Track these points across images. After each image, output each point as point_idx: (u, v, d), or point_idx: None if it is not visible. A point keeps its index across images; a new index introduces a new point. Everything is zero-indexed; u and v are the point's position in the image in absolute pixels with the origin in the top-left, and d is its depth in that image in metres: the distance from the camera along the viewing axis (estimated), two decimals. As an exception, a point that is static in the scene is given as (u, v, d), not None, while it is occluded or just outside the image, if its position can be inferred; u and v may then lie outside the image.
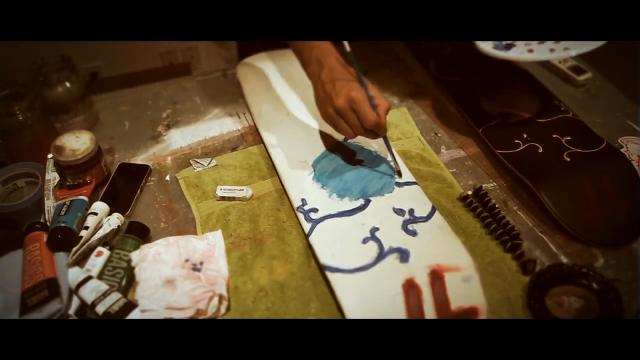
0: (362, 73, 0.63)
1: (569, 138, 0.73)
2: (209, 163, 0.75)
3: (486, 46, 0.74)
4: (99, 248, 0.63)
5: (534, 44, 0.75)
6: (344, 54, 0.65)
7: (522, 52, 0.73)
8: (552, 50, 0.72)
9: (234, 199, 0.69)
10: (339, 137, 0.75)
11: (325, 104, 0.64)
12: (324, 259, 0.59)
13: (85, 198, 0.66)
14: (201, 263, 0.60)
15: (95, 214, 0.65)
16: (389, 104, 0.63)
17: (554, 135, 0.74)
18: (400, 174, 0.69)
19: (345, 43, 0.62)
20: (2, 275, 0.60)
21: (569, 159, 0.70)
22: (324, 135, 0.75)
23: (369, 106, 0.61)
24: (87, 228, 0.63)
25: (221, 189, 0.70)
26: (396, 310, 0.54)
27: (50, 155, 0.70)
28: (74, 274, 0.59)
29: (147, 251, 0.60)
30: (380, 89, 0.64)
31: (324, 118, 0.66)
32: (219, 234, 0.64)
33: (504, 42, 0.76)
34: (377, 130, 0.63)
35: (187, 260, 0.60)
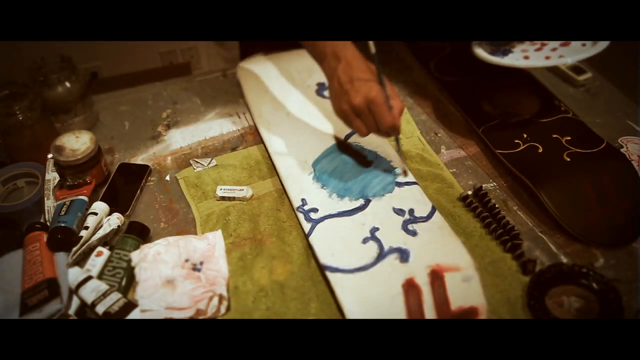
0: (383, 73, 0.62)
1: (569, 138, 0.73)
2: (209, 163, 0.75)
3: (482, 52, 0.74)
4: (99, 248, 0.63)
5: (530, 51, 0.75)
6: (366, 53, 0.64)
7: (517, 58, 0.73)
8: (547, 58, 0.72)
9: (234, 199, 0.69)
10: (340, 136, 0.75)
11: (340, 100, 0.63)
12: (324, 259, 0.59)
13: (85, 198, 0.66)
14: (201, 263, 0.60)
15: (95, 214, 0.65)
16: (403, 105, 0.62)
17: (554, 136, 0.74)
18: (406, 173, 0.69)
19: (371, 44, 0.61)
20: (2, 275, 0.60)
21: (569, 159, 0.70)
22: (324, 135, 0.75)
23: (386, 109, 0.60)
24: (87, 228, 0.63)
25: (221, 189, 0.70)
26: (396, 310, 0.54)
27: (50, 155, 0.70)
28: (74, 274, 0.59)
29: (147, 251, 0.60)
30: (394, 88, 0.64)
31: (336, 112, 0.65)
32: (219, 234, 0.64)
33: (502, 49, 0.76)
34: (391, 132, 0.63)
35: (187, 260, 0.60)
